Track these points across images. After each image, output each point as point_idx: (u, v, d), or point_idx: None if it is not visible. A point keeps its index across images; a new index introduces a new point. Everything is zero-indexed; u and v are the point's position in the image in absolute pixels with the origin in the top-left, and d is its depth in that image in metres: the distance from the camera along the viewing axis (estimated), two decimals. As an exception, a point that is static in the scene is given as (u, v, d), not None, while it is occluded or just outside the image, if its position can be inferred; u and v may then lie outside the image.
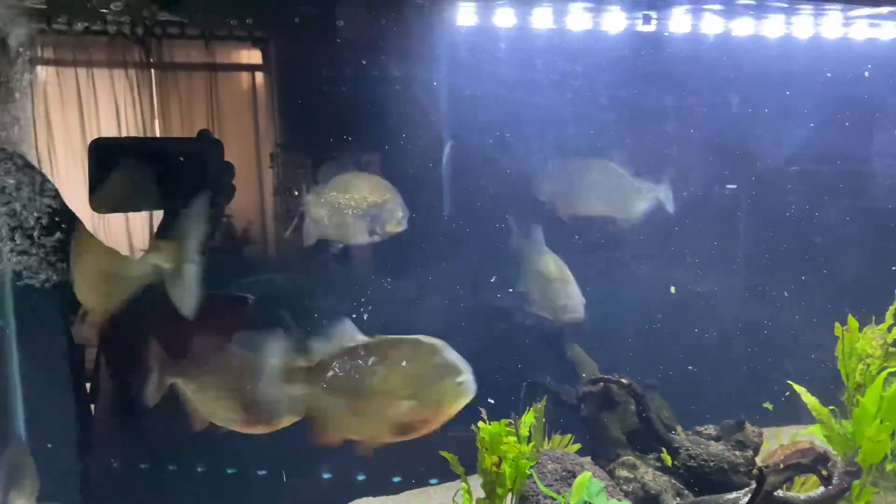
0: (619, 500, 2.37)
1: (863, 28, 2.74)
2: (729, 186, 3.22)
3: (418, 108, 2.77)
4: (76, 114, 2.82)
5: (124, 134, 2.81)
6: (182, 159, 2.48)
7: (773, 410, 3.03)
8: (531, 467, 2.43)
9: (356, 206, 2.60)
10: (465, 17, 2.48)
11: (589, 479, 2.31)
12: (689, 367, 3.13)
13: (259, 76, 2.85)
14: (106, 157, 2.36)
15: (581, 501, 2.31)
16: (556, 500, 2.37)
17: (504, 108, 2.76)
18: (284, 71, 2.80)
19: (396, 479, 3.03)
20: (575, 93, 2.75)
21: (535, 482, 2.46)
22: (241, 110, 2.83)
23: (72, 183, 2.55)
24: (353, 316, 3.01)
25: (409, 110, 2.80)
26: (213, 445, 2.66)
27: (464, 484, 2.53)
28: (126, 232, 2.88)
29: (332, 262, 2.95)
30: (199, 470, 2.74)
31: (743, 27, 2.73)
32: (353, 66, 2.74)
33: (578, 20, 2.52)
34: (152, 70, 2.78)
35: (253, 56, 2.84)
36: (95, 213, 2.45)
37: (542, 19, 2.48)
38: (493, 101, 2.75)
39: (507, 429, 2.44)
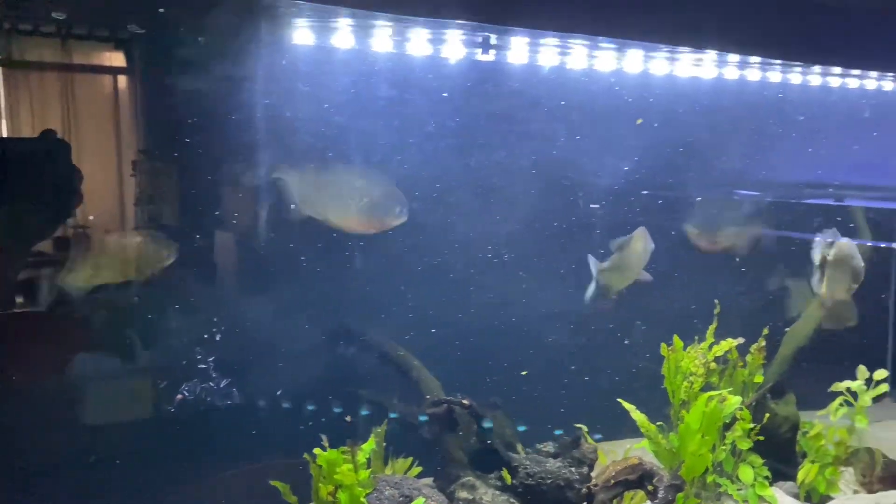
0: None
1: (687, 66, 2.93)
2: (593, 206, 3.33)
3: (260, 119, 2.70)
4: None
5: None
6: (21, 161, 2.31)
7: (612, 425, 3.16)
8: (367, 495, 2.40)
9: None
10: (303, 36, 2.44)
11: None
12: (532, 385, 3.20)
13: (122, 79, 2.69)
14: None
15: (415, 527, 2.31)
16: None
17: (329, 131, 2.74)
18: (149, 75, 2.65)
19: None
20: (403, 119, 2.76)
21: (370, 510, 2.43)
22: (101, 115, 2.65)
23: None
24: (205, 336, 2.91)
25: (255, 120, 2.73)
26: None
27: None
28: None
29: (190, 279, 2.83)
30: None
31: (577, 61, 2.83)
32: (215, 74, 2.64)
33: (418, 46, 2.53)
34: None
35: (115, 58, 2.67)
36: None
37: (380, 43, 2.47)
38: (319, 123, 2.73)
39: (344, 456, 2.40)
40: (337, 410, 2.81)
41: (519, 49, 2.65)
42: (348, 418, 2.83)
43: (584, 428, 2.82)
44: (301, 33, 2.50)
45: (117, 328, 2.82)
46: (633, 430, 3.20)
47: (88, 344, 2.77)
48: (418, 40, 2.43)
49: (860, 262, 3.26)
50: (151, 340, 2.87)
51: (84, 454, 2.70)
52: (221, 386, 3.02)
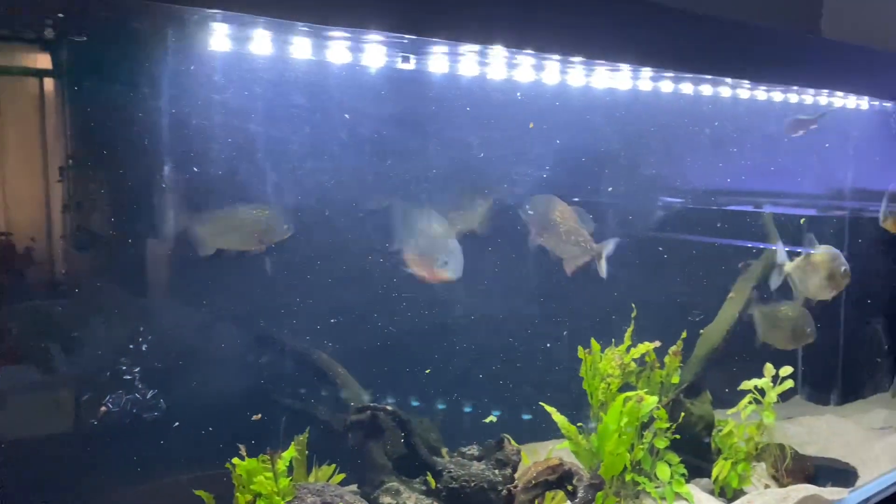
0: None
1: (603, 77, 3.02)
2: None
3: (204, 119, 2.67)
4: None
5: None
6: None
7: (538, 426, 3.23)
8: (288, 502, 2.39)
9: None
10: (220, 41, 2.42)
11: (341, 512, 2.31)
12: (460, 389, 3.24)
13: (48, 82, 2.61)
14: None
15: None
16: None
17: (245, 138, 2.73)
18: (78, 78, 2.57)
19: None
20: (314, 127, 2.78)
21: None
22: (26, 119, 2.57)
23: None
24: (131, 346, 2.85)
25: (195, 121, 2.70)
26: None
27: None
28: None
29: (118, 287, 2.77)
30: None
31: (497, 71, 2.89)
32: (143, 78, 2.59)
33: (337, 54, 2.54)
34: None
35: (42, 60, 2.59)
36: None
37: (299, 50, 2.47)
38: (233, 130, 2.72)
39: (264, 465, 2.39)
40: (258, 419, 2.78)
41: (439, 59, 2.69)
42: (256, 417, 2.80)
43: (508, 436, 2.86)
44: (219, 39, 2.47)
45: (38, 337, 2.75)
46: (556, 433, 3.29)
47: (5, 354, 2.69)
48: (339, 49, 2.45)
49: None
50: (75, 350, 2.80)
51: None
52: (146, 397, 2.96)
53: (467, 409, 3.34)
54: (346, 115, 2.91)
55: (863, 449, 3.69)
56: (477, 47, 2.54)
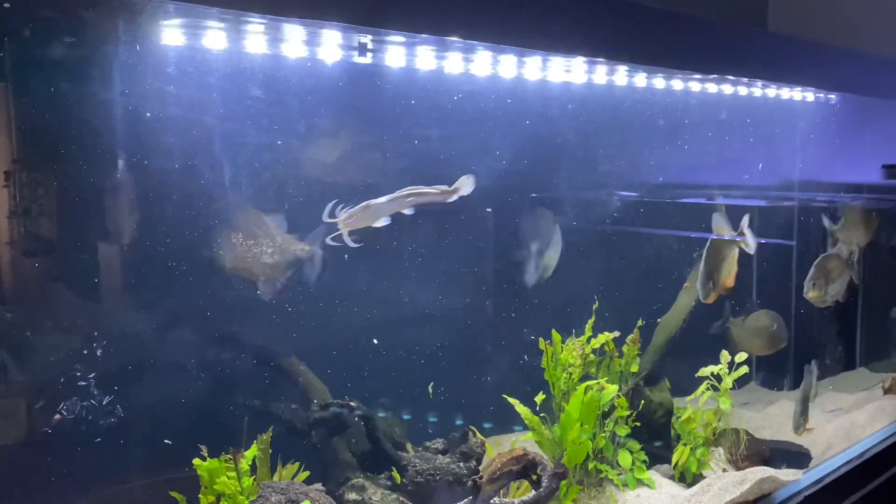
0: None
1: (559, 72, 3.06)
2: (488, 210, 3.40)
3: (154, 119, 2.62)
4: None
5: None
6: None
7: (500, 418, 3.26)
8: (252, 502, 2.37)
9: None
10: (172, 36, 2.38)
11: (305, 509, 2.29)
12: (423, 383, 3.25)
13: None
14: None
15: (298, 532, 2.29)
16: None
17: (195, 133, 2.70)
18: (21, 78, 2.50)
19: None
20: (270, 120, 2.75)
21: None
22: None
23: None
24: (85, 352, 2.78)
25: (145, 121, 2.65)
26: None
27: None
28: None
29: (67, 293, 2.71)
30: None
31: (454, 66, 2.90)
32: (89, 76, 2.53)
33: (292, 48, 2.52)
34: None
35: None
36: None
37: (255, 44, 2.45)
38: (179, 125, 2.68)
39: (226, 464, 2.36)
40: (219, 420, 2.75)
41: (396, 52, 2.69)
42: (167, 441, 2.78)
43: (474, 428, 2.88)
44: (173, 33, 2.43)
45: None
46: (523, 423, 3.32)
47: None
48: (294, 41, 2.43)
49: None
50: (27, 358, 2.73)
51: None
52: (103, 403, 2.91)
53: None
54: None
55: (815, 431, 3.80)
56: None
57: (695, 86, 3.56)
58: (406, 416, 3.18)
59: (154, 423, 2.81)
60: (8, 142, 2.54)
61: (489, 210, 3.42)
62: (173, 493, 2.48)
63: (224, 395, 2.89)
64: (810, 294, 3.96)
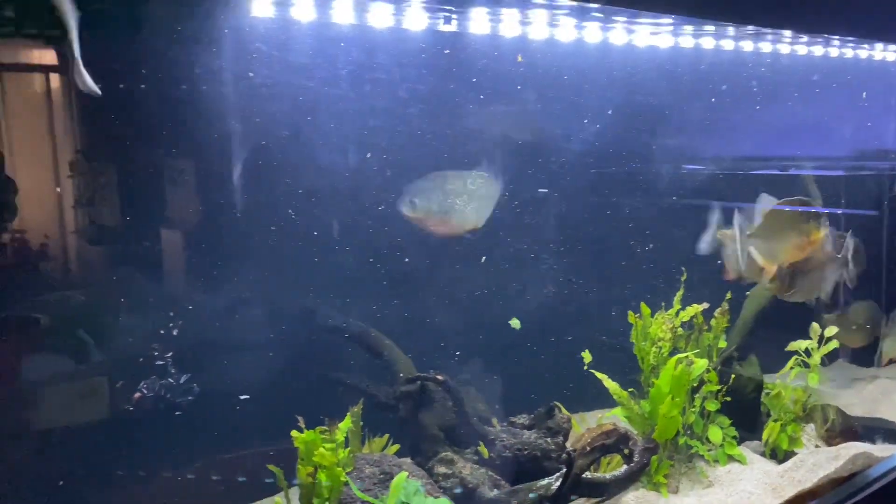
0: (435, 497, 2.36)
1: (644, 35, 2.97)
2: (541, 190, 3.36)
3: (217, 105, 2.64)
4: None
5: None
6: None
7: (582, 395, 3.20)
8: (348, 473, 2.37)
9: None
10: (261, 8, 2.37)
11: (405, 479, 2.28)
12: (502, 360, 3.22)
13: (55, 78, 2.59)
14: None
15: (398, 502, 2.28)
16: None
17: (303, 103, 2.69)
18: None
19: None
20: (374, 86, 2.73)
21: (350, 492, 2.40)
22: (34, 116, 2.56)
23: None
24: (162, 332, 2.84)
25: (208, 109, 2.67)
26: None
27: (277, 499, 2.42)
28: None
29: (138, 274, 2.76)
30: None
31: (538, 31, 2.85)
32: (154, 65, 2.56)
33: (380, 18, 2.50)
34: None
35: (46, 56, 2.57)
36: None
37: (342, 15, 2.43)
38: (290, 95, 2.67)
39: (323, 436, 2.36)
40: (306, 395, 2.76)
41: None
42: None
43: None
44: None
45: (68, 329, 2.74)
46: (598, 402, 3.27)
47: (41, 346, 2.69)
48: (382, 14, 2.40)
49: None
50: (106, 340, 2.80)
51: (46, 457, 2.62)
52: (182, 381, 2.96)
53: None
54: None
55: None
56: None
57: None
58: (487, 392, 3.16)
59: (242, 399, 2.85)
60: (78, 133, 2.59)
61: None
62: (271, 467, 2.50)
63: (309, 369, 2.91)
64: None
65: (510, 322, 3.17)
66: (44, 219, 2.60)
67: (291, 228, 2.82)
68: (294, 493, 2.41)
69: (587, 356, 2.93)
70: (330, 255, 2.92)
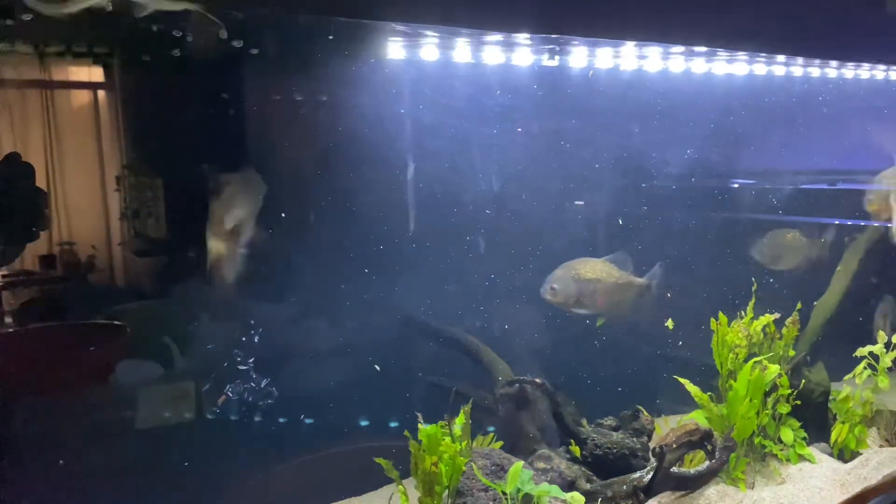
0: (547, 483, 2.61)
1: (722, 65, 3.25)
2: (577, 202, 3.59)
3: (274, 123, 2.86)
4: None
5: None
6: None
7: (657, 402, 3.43)
8: (466, 463, 2.62)
9: None
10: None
11: (521, 468, 2.53)
12: (587, 366, 3.47)
13: (101, 95, 2.76)
14: None
15: (515, 489, 2.53)
16: (493, 488, 2.57)
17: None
18: (129, 89, 2.75)
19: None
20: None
21: (468, 479, 2.65)
22: (81, 131, 2.74)
23: None
24: (244, 339, 3.07)
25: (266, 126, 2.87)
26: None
27: (400, 486, 2.67)
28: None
29: (214, 286, 2.94)
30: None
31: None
32: (199, 84, 2.75)
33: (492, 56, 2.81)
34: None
35: (94, 74, 2.75)
36: None
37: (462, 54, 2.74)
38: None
39: (443, 430, 2.62)
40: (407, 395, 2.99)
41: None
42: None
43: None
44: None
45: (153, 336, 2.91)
46: (669, 408, 3.50)
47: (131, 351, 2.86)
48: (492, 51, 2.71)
49: None
50: (187, 347, 2.97)
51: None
52: (262, 385, 3.16)
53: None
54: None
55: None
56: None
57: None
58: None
59: (348, 400, 3.10)
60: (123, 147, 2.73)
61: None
62: (379, 460, 2.74)
63: (411, 372, 3.18)
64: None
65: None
66: (89, 230, 2.77)
67: (347, 236, 3.05)
68: (408, 483, 2.66)
69: (670, 324, 3.20)
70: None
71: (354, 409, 3.17)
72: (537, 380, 3.01)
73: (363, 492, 3.19)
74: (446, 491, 2.60)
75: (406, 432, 2.62)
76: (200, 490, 2.87)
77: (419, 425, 2.56)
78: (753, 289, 3.21)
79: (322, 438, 3.09)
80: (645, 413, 3.17)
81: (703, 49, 2.89)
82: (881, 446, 3.43)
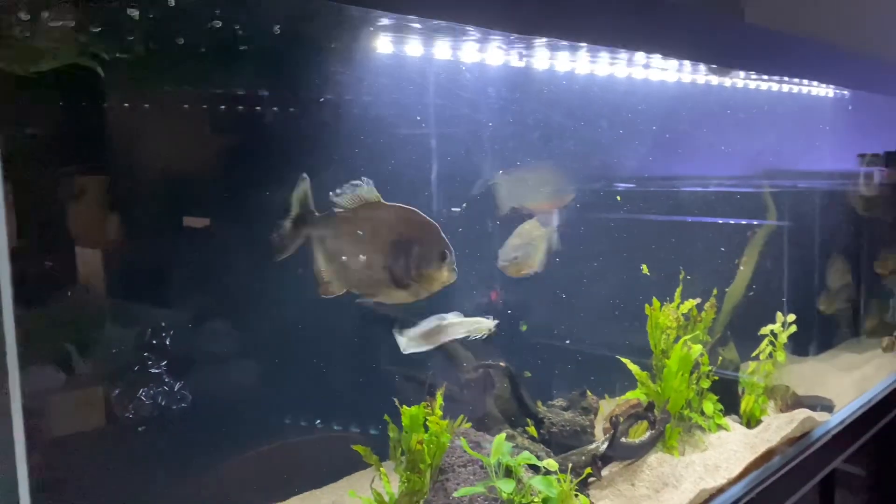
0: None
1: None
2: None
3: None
4: None
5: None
6: None
7: (596, 383, 3.76)
8: (450, 441, 2.79)
9: None
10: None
11: (504, 440, 2.74)
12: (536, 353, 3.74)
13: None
14: None
15: (497, 460, 2.73)
16: (474, 462, 2.76)
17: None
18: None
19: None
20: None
21: (447, 457, 2.82)
22: None
23: None
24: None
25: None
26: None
27: (381, 469, 2.79)
28: None
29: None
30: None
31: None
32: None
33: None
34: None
35: None
36: None
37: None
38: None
39: (426, 410, 2.78)
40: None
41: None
42: None
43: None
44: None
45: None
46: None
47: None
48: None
49: None
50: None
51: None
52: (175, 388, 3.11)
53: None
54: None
55: (836, 386, 4.52)
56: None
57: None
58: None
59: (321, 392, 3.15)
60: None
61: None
62: (356, 447, 2.84)
63: (379, 366, 3.30)
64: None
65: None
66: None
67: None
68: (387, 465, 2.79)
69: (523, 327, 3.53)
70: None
71: (296, 405, 3.18)
72: (502, 364, 3.23)
73: (323, 484, 3.25)
74: (429, 469, 2.76)
75: (386, 416, 2.75)
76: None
77: (404, 408, 2.71)
78: (681, 276, 3.62)
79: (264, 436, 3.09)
80: (590, 394, 3.48)
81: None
82: (778, 414, 3.97)
